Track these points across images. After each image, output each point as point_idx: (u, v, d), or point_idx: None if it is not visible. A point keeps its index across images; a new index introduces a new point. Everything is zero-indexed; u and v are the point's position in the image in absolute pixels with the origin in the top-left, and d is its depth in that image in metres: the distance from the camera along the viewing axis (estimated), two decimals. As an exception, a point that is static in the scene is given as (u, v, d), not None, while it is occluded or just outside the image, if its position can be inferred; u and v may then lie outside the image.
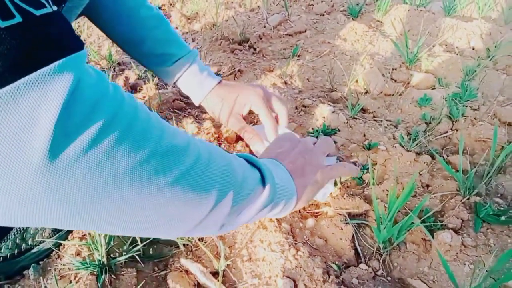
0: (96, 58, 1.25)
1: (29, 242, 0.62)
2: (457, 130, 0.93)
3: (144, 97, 1.03)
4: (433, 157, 0.84)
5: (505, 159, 0.78)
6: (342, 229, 0.67)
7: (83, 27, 1.48)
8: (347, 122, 0.94)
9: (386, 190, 0.75)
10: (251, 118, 0.98)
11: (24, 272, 0.60)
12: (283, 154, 0.58)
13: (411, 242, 0.67)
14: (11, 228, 0.63)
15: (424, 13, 1.55)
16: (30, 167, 0.26)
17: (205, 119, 0.95)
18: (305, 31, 1.46)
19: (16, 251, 0.61)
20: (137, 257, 0.60)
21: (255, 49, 1.35)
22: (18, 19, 0.25)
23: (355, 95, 1.08)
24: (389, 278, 0.62)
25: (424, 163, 0.81)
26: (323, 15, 1.62)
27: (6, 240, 0.62)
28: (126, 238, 0.63)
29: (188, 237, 0.64)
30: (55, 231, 0.64)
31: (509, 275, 0.52)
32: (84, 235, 0.65)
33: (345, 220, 0.69)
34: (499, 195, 0.76)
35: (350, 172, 0.69)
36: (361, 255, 0.66)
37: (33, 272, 0.59)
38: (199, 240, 0.64)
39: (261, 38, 1.42)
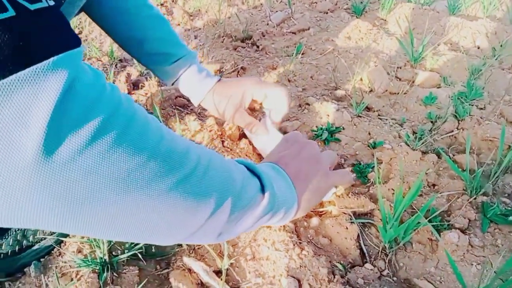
0: (97, 54, 1.24)
1: (30, 239, 0.61)
2: (463, 129, 0.91)
3: (146, 93, 1.02)
4: (439, 156, 0.83)
5: (513, 158, 0.77)
6: (347, 228, 0.66)
7: (85, 23, 1.47)
8: (351, 120, 0.93)
9: (392, 189, 0.74)
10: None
11: (25, 269, 0.59)
12: (287, 158, 0.56)
13: (417, 242, 0.66)
14: (11, 225, 0.62)
15: (429, 11, 1.54)
16: (21, 167, 0.25)
17: (208, 116, 0.94)
18: (309, 29, 1.45)
19: (17, 248, 0.60)
20: (139, 255, 0.59)
21: (258, 47, 1.34)
22: (11, 12, 0.24)
23: (360, 93, 1.07)
24: (395, 278, 0.61)
25: (430, 162, 0.80)
26: (327, 12, 1.61)
27: (7, 237, 0.61)
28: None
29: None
30: (56, 228, 0.63)
31: (519, 276, 0.51)
32: (86, 232, 0.64)
33: (350, 219, 0.68)
34: (506, 195, 0.75)
35: (350, 182, 0.69)
36: (366, 254, 0.65)
37: (34, 270, 0.59)
38: (202, 238, 0.64)
39: (264, 36, 1.41)
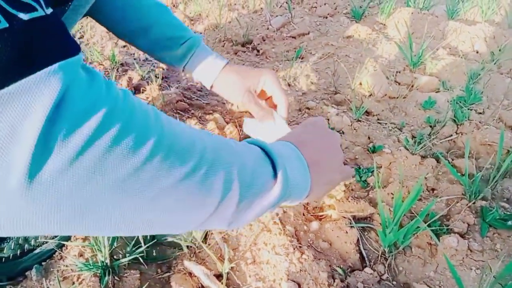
0: (99, 58, 1.25)
1: (32, 242, 0.62)
2: (462, 134, 0.92)
3: (147, 97, 1.03)
4: (438, 161, 0.84)
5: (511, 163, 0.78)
6: (347, 232, 0.66)
7: (86, 27, 1.48)
8: (351, 125, 0.94)
9: (391, 193, 0.74)
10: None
11: (27, 273, 0.60)
12: (308, 144, 0.54)
13: (417, 246, 0.66)
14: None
15: (428, 16, 1.55)
16: (12, 184, 0.25)
17: (209, 120, 0.94)
18: (309, 33, 1.46)
19: (18, 252, 0.60)
20: (140, 258, 0.60)
21: (258, 51, 1.35)
22: (3, 24, 0.24)
23: (359, 97, 1.07)
24: (394, 282, 0.62)
25: (430, 166, 0.81)
26: (326, 17, 1.62)
27: (8, 241, 0.61)
28: (130, 239, 0.63)
29: (192, 240, 0.64)
30: (58, 232, 0.63)
31: (517, 280, 0.51)
32: (87, 236, 0.64)
33: (350, 224, 0.68)
34: (505, 199, 0.75)
35: (349, 178, 0.68)
36: (366, 259, 0.65)
37: (36, 273, 0.59)
38: (202, 242, 0.64)
39: (264, 40, 1.42)
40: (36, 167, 0.25)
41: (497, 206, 0.72)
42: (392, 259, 0.64)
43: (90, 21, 1.49)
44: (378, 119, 1.00)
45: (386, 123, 0.98)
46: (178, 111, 1.00)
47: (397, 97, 1.08)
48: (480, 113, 1.00)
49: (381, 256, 0.65)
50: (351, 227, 0.67)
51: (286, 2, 1.62)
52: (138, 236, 0.61)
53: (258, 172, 0.43)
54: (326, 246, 0.66)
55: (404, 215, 0.69)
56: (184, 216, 0.35)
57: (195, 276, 0.60)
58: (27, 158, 0.24)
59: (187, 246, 0.64)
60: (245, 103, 0.77)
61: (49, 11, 0.27)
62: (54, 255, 0.62)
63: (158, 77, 1.10)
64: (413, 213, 0.71)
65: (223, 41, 1.39)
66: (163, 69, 1.22)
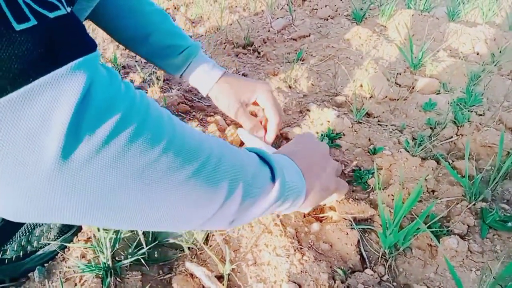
0: (101, 61, 1.26)
1: (34, 244, 0.62)
2: (462, 135, 0.92)
3: (149, 100, 1.03)
4: (438, 162, 0.84)
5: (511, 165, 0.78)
6: (347, 234, 0.67)
7: (88, 30, 1.49)
8: (352, 127, 0.94)
9: (392, 195, 0.74)
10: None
11: (29, 274, 0.60)
12: (300, 154, 0.59)
13: (417, 247, 0.66)
14: (16, 230, 0.63)
15: (428, 18, 1.55)
16: (43, 169, 0.27)
17: (210, 123, 0.95)
18: (309, 35, 1.46)
19: (21, 253, 0.61)
20: (142, 260, 0.60)
21: (259, 53, 1.35)
22: (33, 22, 0.26)
23: (360, 99, 1.08)
24: (394, 283, 0.62)
25: (430, 168, 0.81)
26: (327, 19, 1.62)
27: (11, 242, 0.62)
28: (131, 241, 0.63)
29: (193, 241, 0.64)
30: (61, 233, 0.64)
31: (517, 282, 0.52)
32: (90, 237, 0.65)
33: (351, 225, 0.68)
34: (505, 201, 0.75)
35: (345, 192, 0.69)
36: (366, 260, 0.65)
37: (38, 275, 0.59)
38: (204, 243, 0.64)
39: (265, 42, 1.42)
40: (66, 154, 0.27)
41: (497, 208, 0.72)
42: (392, 261, 0.65)
43: (91, 24, 1.50)
44: (378, 121, 1.01)
45: (386, 125, 0.98)
46: (179, 113, 1.00)
47: (398, 99, 1.08)
48: (481, 115, 1.01)
49: (381, 257, 0.65)
50: (352, 228, 0.67)
51: (287, 4, 1.62)
52: (139, 238, 0.62)
53: (258, 174, 0.46)
54: (326, 247, 0.66)
55: (405, 216, 0.70)
56: (192, 209, 0.37)
57: (197, 278, 0.60)
58: (58, 146, 0.26)
59: (189, 248, 0.64)
60: (236, 116, 0.80)
61: (69, 9, 0.30)
62: (56, 257, 0.63)
63: (160, 80, 1.11)
64: (413, 215, 0.71)
65: (224, 43, 1.39)
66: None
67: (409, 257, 0.65)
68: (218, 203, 0.39)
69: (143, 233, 0.62)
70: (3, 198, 0.28)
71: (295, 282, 0.59)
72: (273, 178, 0.48)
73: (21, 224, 0.63)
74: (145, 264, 0.61)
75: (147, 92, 1.05)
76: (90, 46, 0.30)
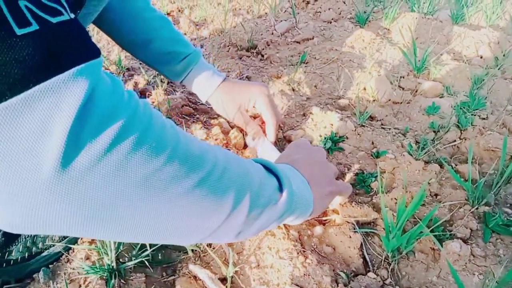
0: (105, 63, 1.27)
1: (40, 245, 0.63)
2: (465, 139, 0.92)
3: (153, 102, 1.04)
4: (441, 166, 0.84)
5: (515, 169, 0.78)
6: (350, 237, 0.67)
7: (93, 32, 1.50)
8: (355, 130, 0.94)
9: (395, 198, 0.75)
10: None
11: (34, 275, 0.61)
12: (301, 161, 0.58)
13: (420, 251, 0.67)
14: (22, 231, 0.63)
15: (432, 21, 1.55)
16: (42, 177, 0.26)
17: (214, 125, 0.95)
18: (313, 38, 1.46)
19: (26, 254, 0.61)
20: (146, 262, 0.61)
21: (263, 56, 1.36)
22: (34, 26, 0.25)
23: (363, 102, 1.08)
24: (397, 287, 0.62)
25: (433, 171, 0.81)
26: (331, 22, 1.63)
27: (17, 243, 0.62)
28: (135, 243, 0.64)
29: (197, 243, 0.65)
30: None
31: (520, 286, 0.52)
32: (94, 239, 0.65)
33: (354, 228, 0.68)
34: (508, 205, 0.75)
35: (349, 192, 0.70)
36: (369, 263, 0.65)
37: (43, 276, 0.60)
38: (207, 246, 0.65)
39: (269, 45, 1.43)
40: (66, 162, 0.26)
41: (500, 212, 0.72)
42: (395, 264, 0.65)
43: (95, 27, 1.51)
44: (382, 124, 1.01)
45: (390, 128, 0.98)
46: (183, 115, 1.01)
47: (401, 102, 1.08)
48: (484, 118, 1.01)
49: (384, 261, 0.65)
50: (355, 232, 0.68)
51: (291, 7, 1.63)
52: (144, 240, 0.62)
53: (265, 184, 0.45)
54: (329, 250, 0.66)
55: (408, 220, 0.70)
56: (198, 220, 0.36)
57: (200, 280, 0.61)
58: (58, 153, 0.26)
59: (192, 250, 0.65)
60: (235, 122, 0.81)
61: (72, 15, 0.29)
62: (61, 258, 0.63)
63: (164, 82, 1.11)
64: (416, 218, 0.72)
65: (228, 46, 1.40)
66: (168, 73, 1.23)
67: (411, 260, 0.65)
68: (224, 214, 0.38)
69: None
70: (1, 208, 0.27)
71: (298, 285, 0.59)
72: (280, 188, 0.47)
73: (27, 226, 0.64)
74: (149, 266, 0.61)
75: (151, 95, 1.06)
76: (93, 52, 0.30)
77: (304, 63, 1.29)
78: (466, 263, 0.63)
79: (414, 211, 0.63)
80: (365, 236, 0.69)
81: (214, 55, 1.35)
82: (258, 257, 0.64)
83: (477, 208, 0.72)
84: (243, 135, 0.90)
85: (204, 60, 0.85)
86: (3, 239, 0.60)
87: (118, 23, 0.77)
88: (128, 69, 1.24)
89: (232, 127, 0.96)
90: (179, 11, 1.77)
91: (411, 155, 0.86)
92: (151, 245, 0.62)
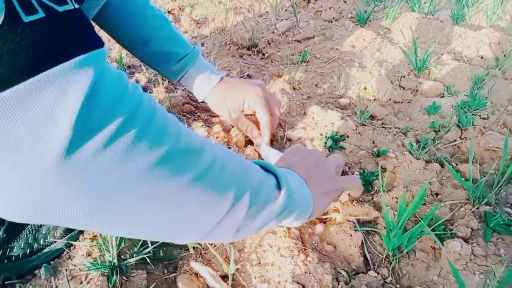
0: (106, 60, 1.26)
1: (41, 242, 0.63)
2: (466, 139, 0.93)
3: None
4: (442, 165, 0.84)
5: (515, 169, 0.78)
6: (351, 235, 0.67)
7: (94, 30, 1.50)
8: (355, 129, 0.95)
9: (395, 197, 0.75)
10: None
11: (36, 272, 0.61)
12: (297, 164, 0.59)
13: (420, 250, 0.67)
14: (23, 228, 0.63)
15: (433, 21, 1.55)
16: (46, 163, 0.26)
17: (215, 123, 0.95)
18: (314, 37, 1.46)
19: (28, 251, 0.61)
20: (147, 259, 0.61)
21: (263, 54, 1.36)
22: (41, 14, 0.26)
23: (364, 102, 1.08)
24: (398, 285, 0.62)
25: (434, 171, 0.81)
26: (331, 21, 1.63)
27: (18, 240, 0.62)
28: (137, 239, 0.64)
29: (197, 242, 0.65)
30: (67, 231, 0.64)
31: (521, 285, 0.52)
32: (95, 236, 0.65)
33: (354, 227, 0.69)
34: (509, 205, 0.76)
35: (360, 189, 0.70)
36: (370, 262, 0.66)
37: (45, 272, 0.60)
38: (209, 243, 0.65)
39: (269, 44, 1.43)
40: (73, 147, 0.27)
41: (501, 212, 0.72)
42: (396, 263, 0.65)
43: (95, 25, 1.51)
44: (382, 124, 1.01)
45: (390, 128, 0.98)
46: (184, 113, 1.01)
47: (402, 102, 1.08)
48: (485, 118, 1.01)
49: (385, 259, 0.66)
50: (356, 230, 0.68)
51: (292, 6, 1.63)
52: (145, 237, 0.62)
53: (264, 181, 0.46)
54: (330, 249, 0.66)
55: (408, 219, 0.70)
56: (198, 213, 0.37)
57: (201, 277, 0.61)
58: (65, 138, 0.26)
59: (194, 247, 0.65)
60: (231, 122, 0.82)
61: (77, 5, 0.30)
62: (62, 255, 0.63)
63: (165, 80, 1.11)
64: (417, 217, 0.72)
65: (229, 44, 1.40)
66: (169, 71, 1.23)
67: (412, 259, 0.65)
68: (225, 208, 0.38)
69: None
70: (6, 196, 0.27)
71: (299, 283, 0.59)
72: (278, 187, 0.47)
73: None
74: (150, 263, 0.61)
75: (152, 92, 1.06)
76: (97, 42, 0.30)
77: (305, 62, 1.29)
78: (467, 262, 0.63)
79: (415, 210, 0.63)
80: (366, 235, 0.70)
81: (215, 53, 1.34)
82: (259, 254, 0.64)
83: (478, 208, 0.73)
84: (244, 133, 0.90)
85: (203, 59, 0.85)
86: (4, 235, 0.60)
87: (117, 20, 0.77)
88: (129, 67, 1.24)
89: (233, 126, 0.96)
90: (180, 9, 1.77)
91: (412, 154, 0.87)
92: (152, 242, 0.62)
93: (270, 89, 1.13)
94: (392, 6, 1.59)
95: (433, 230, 0.67)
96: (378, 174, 0.80)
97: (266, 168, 0.50)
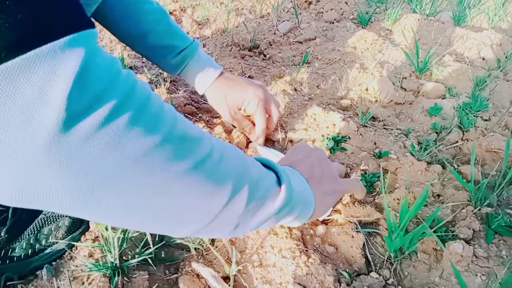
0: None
1: (43, 242, 0.63)
2: (467, 140, 0.92)
3: (155, 101, 1.04)
4: (444, 167, 0.84)
5: (517, 170, 0.78)
6: (353, 237, 0.67)
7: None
8: (357, 130, 0.95)
9: (397, 198, 0.75)
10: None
11: (37, 272, 0.61)
12: (298, 162, 0.58)
13: (422, 251, 0.67)
14: (25, 228, 0.64)
15: (434, 22, 1.55)
16: (38, 143, 0.26)
17: (216, 124, 0.95)
18: (315, 39, 1.47)
19: (30, 251, 0.62)
20: (149, 260, 0.61)
21: (265, 56, 1.36)
22: None
23: (365, 103, 1.08)
24: (399, 287, 0.62)
25: (435, 172, 0.81)
26: (333, 22, 1.63)
27: (20, 240, 0.62)
28: (139, 241, 0.64)
29: (199, 241, 0.65)
30: (69, 232, 0.64)
31: (523, 287, 0.52)
32: (97, 237, 0.65)
33: (356, 228, 0.69)
34: (510, 206, 0.75)
35: (362, 191, 0.69)
36: (372, 263, 0.66)
37: (46, 273, 0.60)
38: (210, 244, 0.65)
39: (271, 45, 1.43)
40: (65, 128, 0.26)
41: (503, 213, 0.72)
42: (397, 264, 0.65)
43: (98, 24, 1.51)
44: (384, 125, 1.01)
45: (392, 129, 0.98)
46: (186, 114, 1.01)
47: (403, 103, 1.08)
48: (486, 120, 1.01)
49: (386, 261, 0.66)
50: (357, 231, 0.68)
51: (293, 7, 1.63)
52: (147, 238, 0.62)
53: (264, 177, 0.45)
54: (332, 250, 0.66)
55: (410, 220, 0.70)
56: (194, 205, 0.36)
57: (203, 278, 0.61)
58: (56, 118, 0.25)
59: (195, 248, 0.65)
60: (229, 119, 0.82)
61: None
62: (64, 255, 0.64)
63: (167, 81, 1.11)
64: (418, 219, 0.72)
65: (231, 46, 1.40)
66: (171, 72, 1.23)
67: (414, 261, 0.65)
68: (222, 200, 0.37)
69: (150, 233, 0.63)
70: (1, 178, 0.26)
71: (300, 284, 0.59)
72: (279, 184, 0.46)
73: (30, 222, 0.64)
74: (152, 264, 0.61)
75: (154, 93, 1.06)
76: (87, 22, 0.29)
77: (306, 63, 1.29)
78: (468, 264, 0.63)
79: (417, 212, 0.63)
80: (368, 236, 0.70)
81: (217, 54, 1.35)
82: (261, 256, 0.64)
83: (479, 209, 0.72)
84: (245, 134, 0.90)
85: (203, 52, 0.84)
86: (6, 235, 0.60)
87: (115, 15, 0.77)
88: (130, 68, 1.24)
89: (234, 127, 0.96)
90: (182, 10, 1.77)
91: (414, 155, 0.87)
92: (154, 243, 0.62)
93: (271, 90, 1.13)
94: (394, 8, 1.59)
95: (434, 231, 0.67)
96: (379, 176, 0.80)
97: (267, 165, 0.49)
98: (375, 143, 0.92)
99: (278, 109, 0.87)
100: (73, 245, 0.64)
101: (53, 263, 0.62)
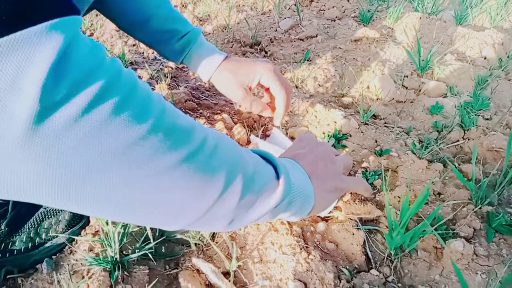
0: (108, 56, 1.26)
1: (43, 236, 0.63)
2: (468, 139, 0.92)
3: (156, 96, 1.04)
4: (445, 165, 0.84)
5: (518, 169, 0.78)
6: (353, 234, 0.67)
7: (96, 26, 1.50)
8: (358, 128, 0.94)
9: (398, 196, 0.75)
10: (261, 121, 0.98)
11: (37, 266, 0.61)
12: (303, 155, 0.56)
13: (422, 249, 0.67)
14: (25, 222, 0.63)
15: (436, 21, 1.55)
16: (14, 134, 0.24)
17: (217, 120, 0.95)
18: (317, 36, 1.46)
19: (30, 245, 0.61)
20: (149, 254, 0.61)
21: (266, 53, 1.36)
22: None
23: (367, 101, 1.08)
24: (399, 284, 0.62)
25: (436, 171, 0.81)
26: (334, 20, 1.62)
27: (20, 234, 0.62)
28: (139, 235, 0.64)
29: (200, 237, 0.65)
30: (69, 226, 0.64)
31: (523, 285, 0.52)
32: (97, 231, 0.65)
33: (357, 225, 0.68)
34: (511, 205, 0.75)
35: (366, 190, 0.66)
36: (372, 260, 0.66)
37: (47, 266, 0.60)
38: (210, 239, 0.65)
39: (272, 42, 1.42)
40: (40, 118, 0.25)
41: (504, 212, 0.72)
42: (398, 262, 0.65)
43: (99, 19, 1.51)
44: (385, 123, 1.01)
45: (393, 127, 0.98)
46: (187, 110, 1.01)
47: (405, 101, 1.08)
48: (487, 119, 1.01)
49: (387, 258, 0.66)
50: (358, 229, 0.68)
51: (295, 5, 1.63)
52: (147, 233, 0.62)
53: (261, 169, 0.43)
54: (332, 247, 0.66)
55: (411, 218, 0.70)
56: (183, 199, 0.34)
57: (203, 273, 0.61)
58: (30, 109, 0.24)
59: (195, 244, 0.65)
60: (240, 101, 0.78)
61: None
62: (64, 249, 0.63)
63: (167, 77, 1.11)
64: (419, 217, 0.72)
65: (232, 42, 1.40)
66: (172, 68, 1.23)
67: (414, 258, 0.65)
68: (214, 195, 0.36)
69: (151, 227, 0.63)
70: None
71: (300, 281, 0.59)
72: (277, 177, 0.45)
73: (31, 216, 0.64)
74: (152, 259, 0.61)
75: (154, 89, 1.06)
76: (71, 8, 0.28)
77: (307, 60, 1.29)
78: (469, 262, 0.63)
79: (418, 210, 0.63)
80: (368, 234, 0.70)
81: (218, 50, 1.34)
82: (261, 252, 0.64)
83: (480, 208, 0.72)
84: (247, 131, 0.90)
85: (204, 38, 0.83)
86: (6, 229, 0.60)
87: (116, 4, 0.76)
88: (131, 63, 1.24)
89: (235, 123, 0.96)
90: (183, 6, 1.77)
91: (415, 154, 0.87)
92: (154, 238, 0.62)
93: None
94: (395, 6, 1.59)
95: (435, 229, 0.67)
96: (380, 173, 0.80)
97: (266, 158, 0.47)
98: (376, 141, 0.92)
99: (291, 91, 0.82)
100: (73, 239, 0.64)
101: (53, 257, 0.62)
